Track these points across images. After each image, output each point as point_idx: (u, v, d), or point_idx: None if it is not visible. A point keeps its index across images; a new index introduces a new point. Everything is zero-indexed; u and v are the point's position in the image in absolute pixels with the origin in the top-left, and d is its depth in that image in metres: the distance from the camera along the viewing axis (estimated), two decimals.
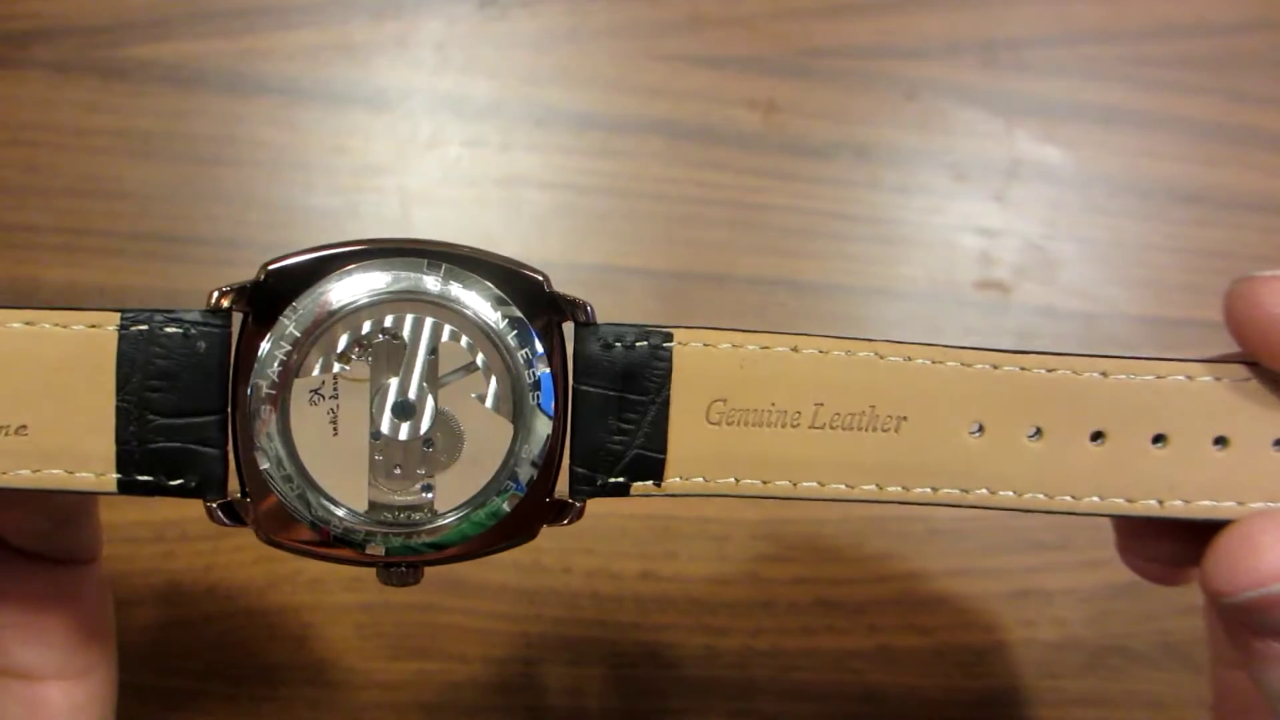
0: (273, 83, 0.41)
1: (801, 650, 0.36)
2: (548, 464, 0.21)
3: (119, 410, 0.20)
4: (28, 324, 0.20)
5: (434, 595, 0.37)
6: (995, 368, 0.21)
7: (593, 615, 0.36)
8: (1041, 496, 0.21)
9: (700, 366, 0.21)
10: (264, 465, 0.20)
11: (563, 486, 0.22)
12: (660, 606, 0.36)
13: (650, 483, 0.21)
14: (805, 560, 0.38)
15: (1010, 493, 0.21)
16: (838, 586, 0.38)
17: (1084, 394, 0.21)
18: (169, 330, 0.20)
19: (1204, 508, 0.21)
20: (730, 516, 0.38)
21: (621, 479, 0.21)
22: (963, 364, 0.21)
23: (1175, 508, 0.21)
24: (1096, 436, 0.21)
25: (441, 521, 0.21)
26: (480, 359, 0.20)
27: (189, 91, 0.41)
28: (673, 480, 0.21)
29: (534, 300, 0.21)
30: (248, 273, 0.40)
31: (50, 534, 0.23)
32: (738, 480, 0.21)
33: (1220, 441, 0.21)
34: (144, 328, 0.20)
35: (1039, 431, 0.21)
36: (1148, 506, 0.21)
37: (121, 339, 0.20)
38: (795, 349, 0.21)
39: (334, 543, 0.21)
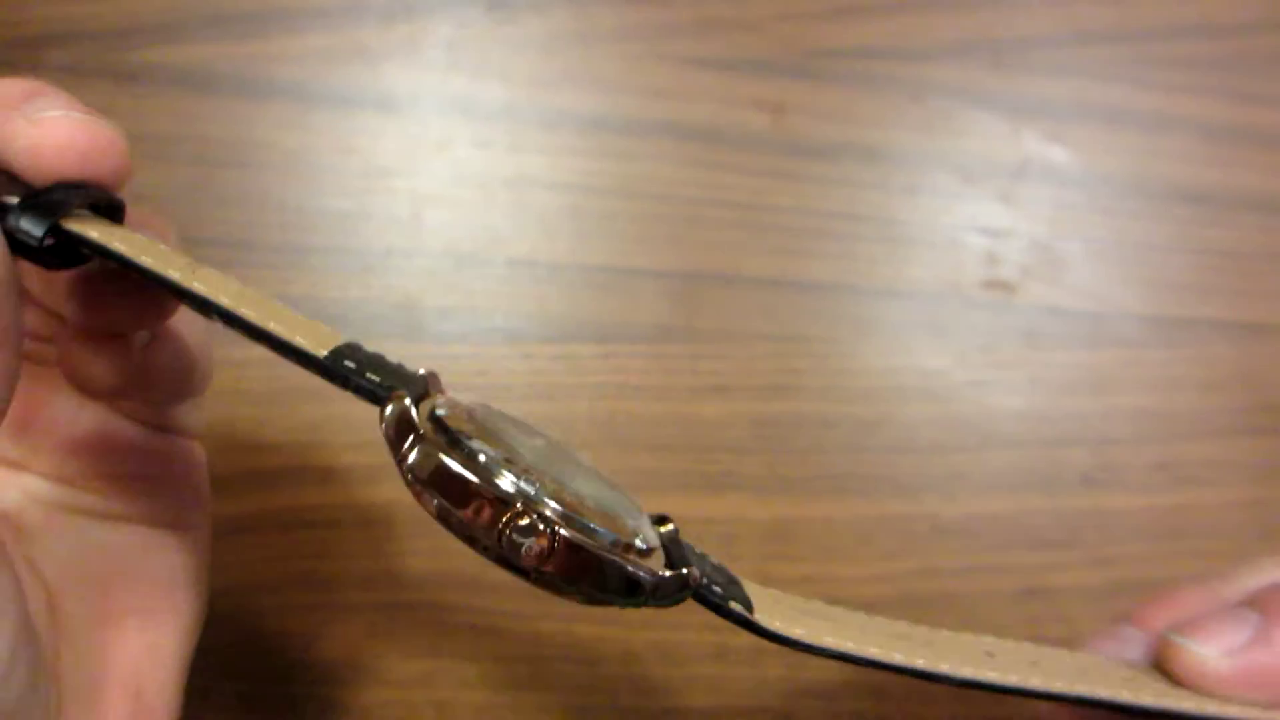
0: (284, 86, 0.42)
1: None
2: None
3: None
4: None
5: (446, 594, 0.37)
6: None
7: (603, 614, 0.36)
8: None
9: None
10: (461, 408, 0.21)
11: None
12: None
13: (743, 606, 0.22)
14: (813, 559, 0.38)
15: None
16: (846, 585, 0.38)
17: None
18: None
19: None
20: (739, 516, 0.38)
21: (718, 588, 0.21)
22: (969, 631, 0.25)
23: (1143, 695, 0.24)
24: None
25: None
26: None
27: (201, 95, 0.41)
28: (760, 615, 0.22)
29: None
30: (258, 273, 0.40)
31: (179, 411, 0.28)
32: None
33: None
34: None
35: (1035, 663, 0.24)
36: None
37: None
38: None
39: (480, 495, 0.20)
